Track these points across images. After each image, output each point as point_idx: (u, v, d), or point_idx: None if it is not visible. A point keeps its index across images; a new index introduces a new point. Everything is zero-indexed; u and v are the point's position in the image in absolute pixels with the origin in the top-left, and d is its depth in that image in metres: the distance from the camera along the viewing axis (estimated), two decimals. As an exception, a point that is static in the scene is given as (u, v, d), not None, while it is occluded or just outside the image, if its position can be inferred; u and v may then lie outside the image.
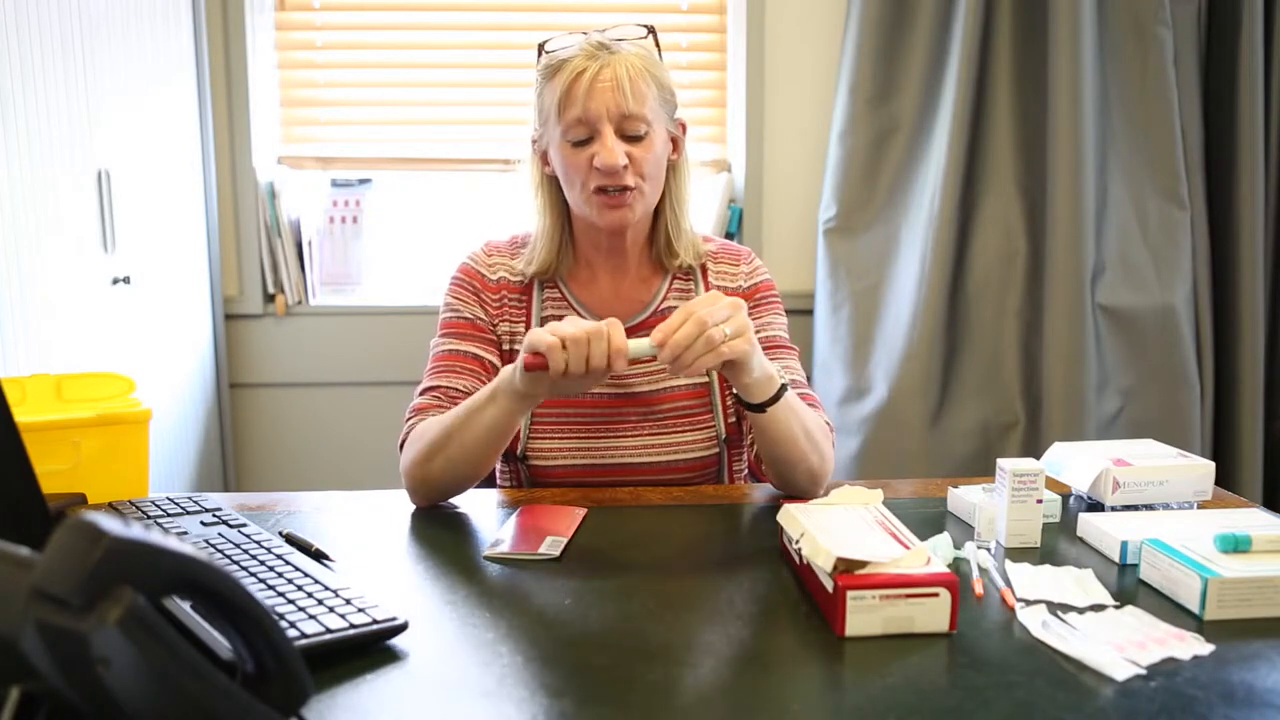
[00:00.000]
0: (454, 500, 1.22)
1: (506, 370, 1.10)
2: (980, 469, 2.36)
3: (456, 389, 1.25)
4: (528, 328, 1.31)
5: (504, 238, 1.37)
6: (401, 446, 1.23)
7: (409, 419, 1.24)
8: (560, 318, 1.31)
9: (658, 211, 1.31)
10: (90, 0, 1.87)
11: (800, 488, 1.20)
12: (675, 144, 1.29)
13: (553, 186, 1.29)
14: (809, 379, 2.58)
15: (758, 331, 1.31)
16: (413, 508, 1.19)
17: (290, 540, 1.03)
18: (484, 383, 1.27)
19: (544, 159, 1.28)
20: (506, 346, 1.31)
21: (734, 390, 1.15)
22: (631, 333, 1.31)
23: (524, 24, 2.62)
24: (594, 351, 1.01)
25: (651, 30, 1.27)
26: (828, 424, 1.26)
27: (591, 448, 1.30)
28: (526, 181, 1.32)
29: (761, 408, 1.13)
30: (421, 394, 1.26)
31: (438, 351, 1.30)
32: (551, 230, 1.30)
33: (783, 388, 1.13)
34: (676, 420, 1.31)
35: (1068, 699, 0.73)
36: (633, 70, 1.19)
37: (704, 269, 1.35)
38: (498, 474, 1.38)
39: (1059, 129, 2.31)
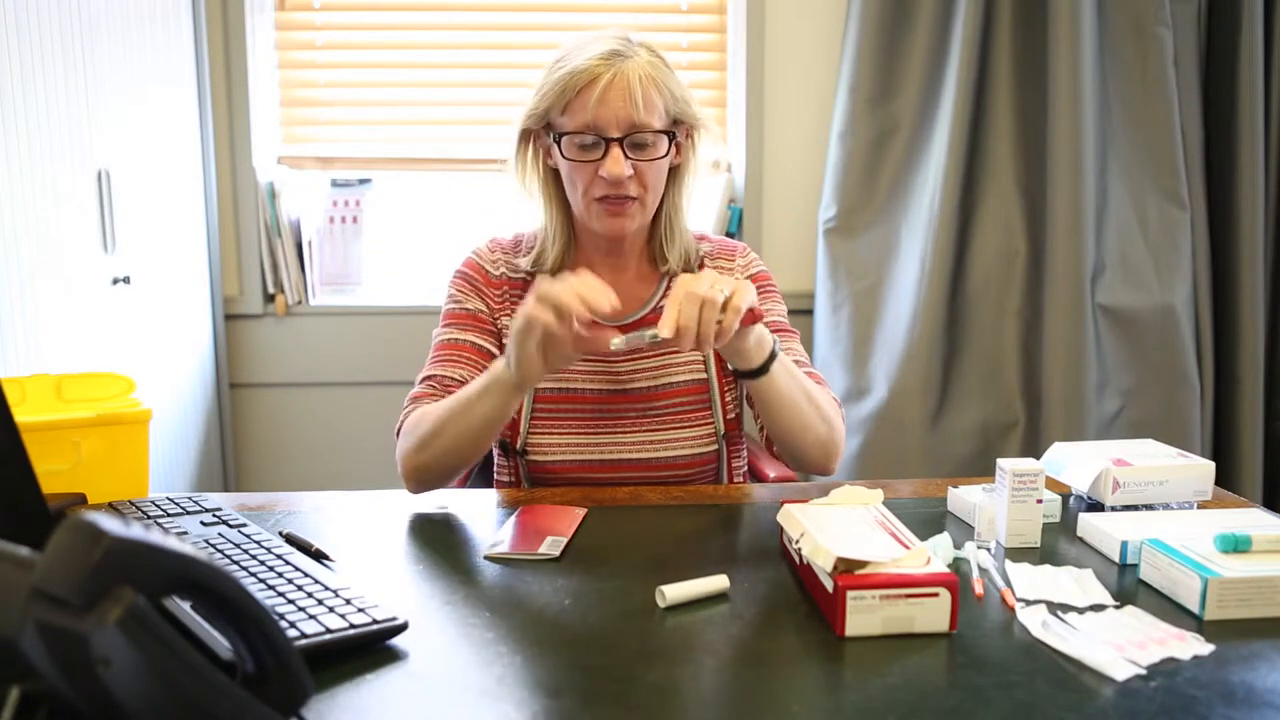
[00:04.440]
0: (454, 500, 1.22)
1: (499, 363, 1.11)
2: (980, 469, 2.36)
3: (452, 378, 1.26)
4: None
5: (508, 235, 1.38)
6: (398, 434, 1.24)
7: (406, 407, 1.26)
8: None
9: (656, 214, 1.31)
10: (90, 0, 1.87)
11: (813, 459, 1.24)
12: (678, 149, 1.28)
13: (555, 180, 1.30)
14: (809, 379, 2.59)
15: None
16: (412, 508, 1.19)
17: (290, 540, 1.03)
18: (481, 371, 1.28)
19: (547, 152, 1.28)
20: (507, 340, 1.32)
21: (731, 368, 1.16)
22: (630, 329, 1.31)
23: (524, 24, 2.61)
24: (586, 296, 1.01)
25: None
26: (835, 400, 1.29)
27: (591, 443, 1.30)
28: (515, 170, 1.31)
29: (758, 373, 1.15)
30: (420, 382, 1.28)
31: (439, 340, 1.32)
32: (559, 226, 1.31)
33: (774, 354, 1.15)
34: (676, 416, 1.31)
35: (1068, 699, 0.73)
36: (644, 79, 1.20)
37: (701, 268, 1.36)
38: (495, 469, 1.39)
39: (1059, 129, 2.31)
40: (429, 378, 1.28)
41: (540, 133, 1.27)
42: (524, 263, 1.33)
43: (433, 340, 1.32)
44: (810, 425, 1.21)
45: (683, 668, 0.78)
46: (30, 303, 1.67)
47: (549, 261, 1.31)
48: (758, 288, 1.35)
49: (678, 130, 1.26)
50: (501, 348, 1.32)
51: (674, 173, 1.30)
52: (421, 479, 1.20)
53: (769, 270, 1.40)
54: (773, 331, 1.31)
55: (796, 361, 1.28)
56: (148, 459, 1.23)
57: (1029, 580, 0.95)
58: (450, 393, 1.23)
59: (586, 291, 1.02)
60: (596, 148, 1.20)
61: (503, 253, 1.35)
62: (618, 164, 1.19)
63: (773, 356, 1.15)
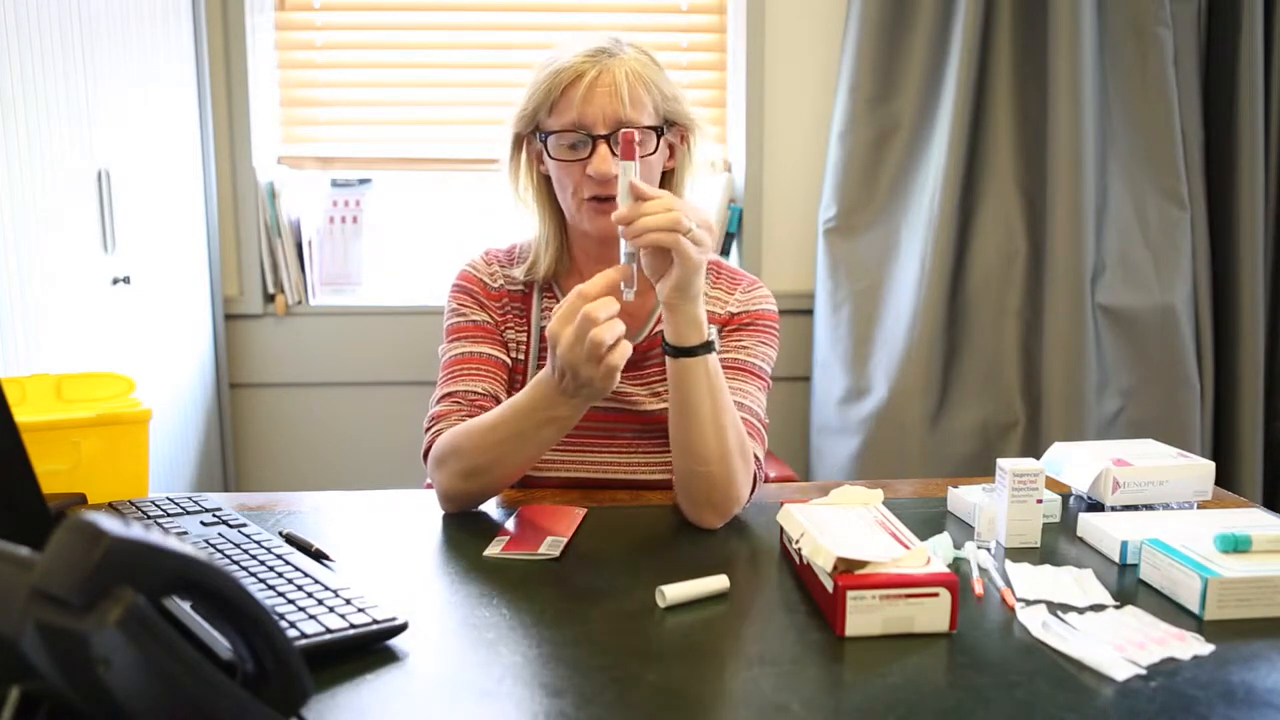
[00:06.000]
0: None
1: (548, 393, 1.06)
2: (980, 469, 2.36)
3: (477, 392, 1.23)
4: (529, 336, 1.30)
5: (503, 246, 1.36)
6: (425, 455, 1.21)
7: (431, 426, 1.22)
8: None
9: None
10: (90, 0, 1.87)
11: (695, 497, 1.13)
12: (672, 150, 1.26)
13: (548, 187, 1.28)
14: (808, 379, 2.59)
15: (734, 352, 1.26)
16: (413, 508, 1.19)
17: (290, 540, 1.03)
18: (501, 384, 1.26)
19: (539, 158, 1.27)
20: (512, 354, 1.31)
21: (663, 342, 1.11)
22: (638, 348, 1.28)
23: (524, 24, 2.61)
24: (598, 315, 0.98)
25: None
26: (757, 458, 1.19)
27: (586, 461, 1.28)
28: (508, 176, 1.28)
29: (682, 353, 1.09)
30: (440, 400, 1.24)
31: (451, 356, 1.27)
32: (552, 234, 1.29)
33: (709, 344, 1.10)
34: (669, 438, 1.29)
35: (1068, 699, 0.73)
36: (631, 75, 1.17)
37: None
38: None
39: (1059, 129, 2.31)
40: (450, 395, 1.23)
41: (530, 137, 1.25)
42: (518, 272, 1.31)
43: (441, 357, 1.29)
44: (702, 450, 1.10)
45: (683, 668, 0.78)
46: (30, 303, 1.67)
47: (542, 269, 1.29)
48: (750, 323, 1.29)
49: (669, 130, 1.23)
50: (511, 359, 1.31)
51: (669, 177, 1.27)
52: (465, 503, 1.19)
53: (775, 311, 1.32)
54: (744, 370, 1.25)
55: (740, 404, 1.20)
56: (148, 459, 1.23)
57: (1029, 580, 0.95)
58: (477, 407, 1.21)
59: (597, 313, 0.97)
60: (584, 146, 1.18)
61: (499, 265, 1.33)
62: (605, 161, 1.16)
63: (707, 349, 1.09)
